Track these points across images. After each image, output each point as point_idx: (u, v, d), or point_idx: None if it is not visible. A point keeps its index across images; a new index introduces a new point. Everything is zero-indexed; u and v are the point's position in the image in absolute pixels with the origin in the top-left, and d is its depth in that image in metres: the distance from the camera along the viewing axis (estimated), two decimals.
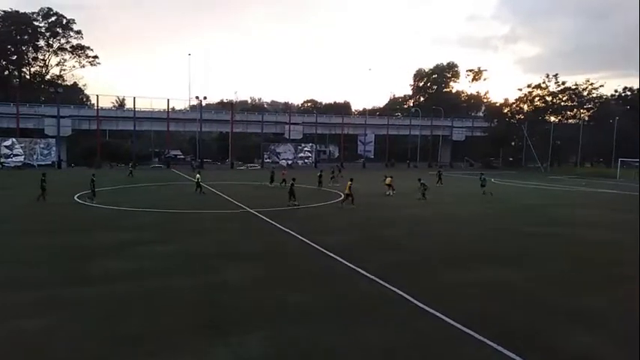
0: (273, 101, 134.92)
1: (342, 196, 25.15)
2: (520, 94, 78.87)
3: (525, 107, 78.80)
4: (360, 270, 11.65)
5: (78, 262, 12.26)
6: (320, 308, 9.01)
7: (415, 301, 9.30)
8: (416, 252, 14.13)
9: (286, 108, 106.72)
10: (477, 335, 7.64)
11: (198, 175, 30.95)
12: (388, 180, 30.65)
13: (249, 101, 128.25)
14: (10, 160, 55.68)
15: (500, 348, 7.16)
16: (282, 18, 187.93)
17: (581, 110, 77.47)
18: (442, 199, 28.53)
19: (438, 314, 8.60)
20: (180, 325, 8.10)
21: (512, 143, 77.87)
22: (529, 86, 77.24)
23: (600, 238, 16.84)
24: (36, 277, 10.97)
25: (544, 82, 75.82)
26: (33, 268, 11.74)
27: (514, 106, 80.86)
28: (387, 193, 29.89)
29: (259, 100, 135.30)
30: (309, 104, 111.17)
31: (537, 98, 77.13)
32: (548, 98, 76.29)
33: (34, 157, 57.60)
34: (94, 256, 12.99)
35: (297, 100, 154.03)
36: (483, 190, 30.53)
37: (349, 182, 24.74)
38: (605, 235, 17.46)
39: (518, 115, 78.36)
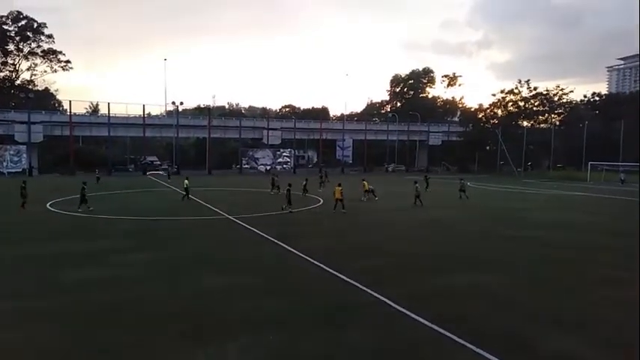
0: (251, 106, 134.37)
1: (333, 202, 24.20)
2: (494, 99, 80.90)
3: (499, 112, 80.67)
4: (338, 274, 11.67)
5: (53, 272, 11.94)
6: (299, 314, 8.99)
7: (395, 305, 9.37)
8: (396, 256, 14.23)
9: (264, 113, 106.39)
10: (455, 338, 7.74)
11: (186, 182, 29.97)
12: (365, 185, 30.68)
13: (227, 106, 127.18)
14: None
15: (479, 350, 7.27)
16: (260, 23, 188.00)
17: (552, 115, 79.68)
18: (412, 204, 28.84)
19: (417, 318, 8.68)
20: (159, 334, 7.96)
21: (487, 147, 79.51)
22: (502, 92, 79.24)
23: (576, 240, 17.28)
24: (10, 287, 10.63)
25: (516, 88, 77.88)
26: (6, 278, 11.39)
27: (488, 111, 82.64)
28: (362, 199, 29.62)
29: (237, 105, 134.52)
30: (287, 109, 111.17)
31: (510, 103, 79.06)
32: (521, 103, 78.30)
33: (4, 164, 55.98)
34: (70, 264, 12.67)
35: (275, 105, 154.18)
36: (460, 195, 31.03)
37: (339, 187, 24.19)
38: (581, 237, 17.93)
39: (493, 119, 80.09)
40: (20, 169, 56.06)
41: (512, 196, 35.71)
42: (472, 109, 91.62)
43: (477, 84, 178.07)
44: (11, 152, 56.70)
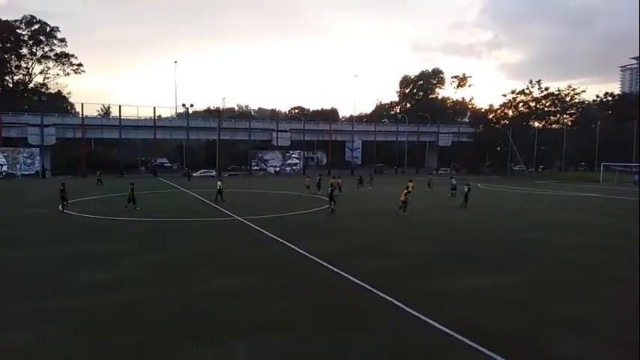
0: (260, 108, 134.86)
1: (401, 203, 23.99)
2: (504, 99, 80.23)
3: (510, 113, 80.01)
4: (347, 275, 11.64)
5: (65, 274, 12.06)
6: (307, 316, 8.97)
7: (405, 307, 9.32)
8: (405, 257, 14.16)
9: (273, 115, 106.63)
10: (467, 341, 7.68)
11: (219, 183, 30.86)
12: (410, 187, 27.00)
13: (237, 108, 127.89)
14: None
15: (491, 354, 7.20)
16: (269, 26, 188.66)
17: (564, 115, 78.85)
18: (426, 206, 28.69)
19: (428, 320, 8.62)
20: (168, 335, 8.00)
21: (498, 148, 78.88)
22: (513, 92, 78.59)
23: (589, 242, 17.06)
24: (23, 289, 10.75)
25: (527, 88, 77.14)
26: (19, 280, 11.52)
27: (499, 111, 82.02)
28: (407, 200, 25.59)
29: (247, 107, 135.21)
30: (296, 111, 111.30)
31: (521, 104, 78.34)
32: (532, 104, 77.54)
33: (17, 166, 56.66)
34: (81, 267, 12.79)
35: (284, 107, 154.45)
36: (452, 193, 30.87)
37: (411, 183, 26.15)
38: (594, 239, 17.69)
39: (503, 120, 79.46)
40: (33, 172, 56.78)
41: (524, 198, 35.36)
42: (482, 110, 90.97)
43: (487, 85, 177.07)
44: (24, 155, 57.42)
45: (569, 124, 77.35)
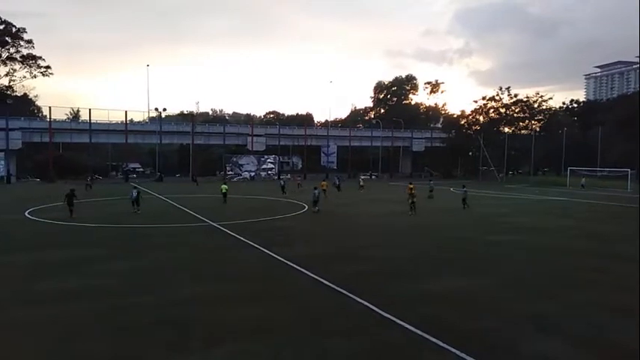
0: (235, 113, 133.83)
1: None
2: (475, 105, 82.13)
3: (481, 118, 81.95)
4: (323, 281, 11.67)
5: (31, 281, 11.67)
6: (283, 321, 8.96)
7: (378, 310, 9.41)
8: (380, 261, 14.29)
9: (248, 120, 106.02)
10: (439, 342, 7.80)
11: (224, 186, 31.72)
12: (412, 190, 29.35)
13: (211, 113, 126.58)
14: None
15: (462, 354, 7.34)
16: (244, 30, 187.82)
17: (533, 121, 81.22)
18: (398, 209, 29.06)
19: (401, 322, 8.72)
20: (142, 343, 7.85)
21: (470, 153, 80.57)
22: (484, 98, 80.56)
23: (560, 245, 17.58)
24: None
25: (498, 95, 79.27)
26: None
27: (470, 117, 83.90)
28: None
29: (221, 111, 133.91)
30: (271, 116, 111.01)
31: (492, 110, 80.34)
32: (502, 110, 79.65)
33: None
34: (49, 274, 12.40)
35: (259, 111, 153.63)
36: (466, 204, 29.09)
37: (410, 192, 27.19)
38: (563, 241, 18.24)
39: (475, 126, 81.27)
40: None
41: (495, 202, 36.19)
42: (454, 116, 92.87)
43: (459, 91, 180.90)
44: None
45: (538, 129, 79.75)
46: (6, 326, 8.66)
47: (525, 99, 78.52)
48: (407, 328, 8.48)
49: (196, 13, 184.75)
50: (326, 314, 9.40)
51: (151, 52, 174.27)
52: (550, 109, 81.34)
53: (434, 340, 7.91)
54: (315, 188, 28.19)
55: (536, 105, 78.88)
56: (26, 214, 24.94)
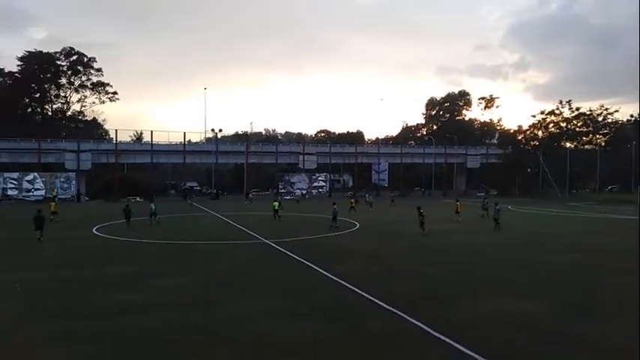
0: (287, 132, 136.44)
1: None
2: (533, 120, 78.83)
3: (540, 134, 78.48)
4: (376, 301, 11.52)
5: (95, 296, 12.34)
6: (338, 340, 8.92)
7: (434, 333, 9.15)
8: (434, 282, 13.93)
9: (300, 138, 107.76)
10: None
11: (276, 203, 32.38)
12: (458, 206, 32.24)
13: (264, 133, 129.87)
14: (30, 194, 56.91)
15: None
16: (295, 51, 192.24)
17: (597, 136, 76.78)
18: (458, 227, 28.22)
19: (458, 346, 8.43)
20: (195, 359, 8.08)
21: (528, 170, 77.16)
22: (542, 113, 77.21)
23: (626, 267, 16.41)
24: (51, 310, 11.01)
25: (557, 109, 75.72)
26: (48, 301, 11.79)
27: (528, 132, 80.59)
28: (458, 219, 31.20)
29: (274, 131, 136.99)
30: (322, 134, 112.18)
31: (552, 124, 76.83)
32: (563, 124, 75.94)
33: (55, 191, 58.69)
34: (110, 288, 13.07)
35: (310, 130, 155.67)
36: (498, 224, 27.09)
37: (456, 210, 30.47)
38: (630, 263, 17.00)
39: (533, 141, 77.95)
40: (69, 196, 58.74)
41: (556, 220, 34.34)
42: (511, 131, 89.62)
43: (515, 106, 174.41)
44: (61, 179, 59.56)
45: (603, 144, 75.21)
46: (72, 339, 9.13)
47: (589, 112, 74.55)
48: (466, 353, 8.18)
49: (251, 38, 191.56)
50: (379, 335, 9.25)
51: (209, 75, 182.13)
52: (616, 122, 76.61)
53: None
54: (334, 204, 28.93)
55: (600, 118, 74.61)
56: (94, 230, 26.54)
